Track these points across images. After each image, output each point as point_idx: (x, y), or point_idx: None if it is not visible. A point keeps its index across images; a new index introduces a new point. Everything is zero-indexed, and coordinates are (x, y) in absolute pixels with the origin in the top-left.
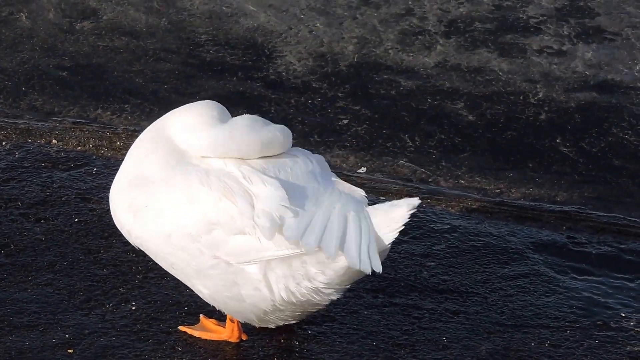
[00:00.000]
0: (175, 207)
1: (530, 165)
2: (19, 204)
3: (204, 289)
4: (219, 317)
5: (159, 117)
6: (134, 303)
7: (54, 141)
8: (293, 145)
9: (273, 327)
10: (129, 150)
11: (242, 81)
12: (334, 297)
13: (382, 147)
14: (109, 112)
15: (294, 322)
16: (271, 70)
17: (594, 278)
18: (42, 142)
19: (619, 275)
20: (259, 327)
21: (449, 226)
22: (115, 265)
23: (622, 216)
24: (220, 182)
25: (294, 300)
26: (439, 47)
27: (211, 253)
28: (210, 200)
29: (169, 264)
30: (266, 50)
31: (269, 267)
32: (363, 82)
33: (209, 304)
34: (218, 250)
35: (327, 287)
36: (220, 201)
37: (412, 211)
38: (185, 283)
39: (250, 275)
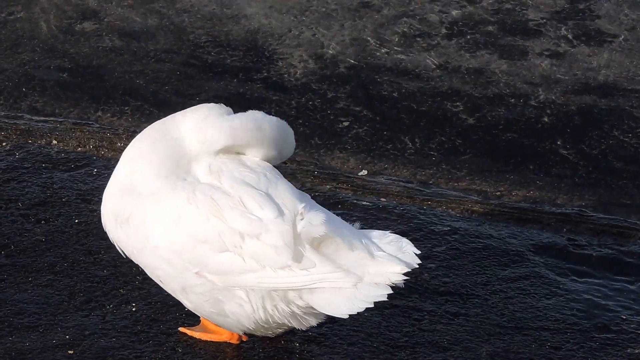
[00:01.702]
0: (162, 224)
1: (531, 167)
2: (19, 205)
3: (188, 303)
4: None
5: (158, 119)
6: (134, 304)
7: (55, 142)
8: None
9: (259, 336)
10: (125, 152)
11: (242, 83)
12: (314, 323)
13: (383, 150)
14: (109, 114)
15: (282, 332)
16: (272, 72)
17: (595, 280)
18: (43, 142)
19: (620, 278)
20: None
21: (449, 228)
22: (116, 266)
23: (622, 218)
24: (208, 198)
25: (272, 322)
26: (439, 49)
27: (195, 270)
28: (198, 219)
29: (157, 277)
30: (267, 52)
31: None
32: (363, 83)
33: None
34: (204, 268)
35: (305, 312)
36: (208, 220)
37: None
38: (173, 296)
39: (234, 292)
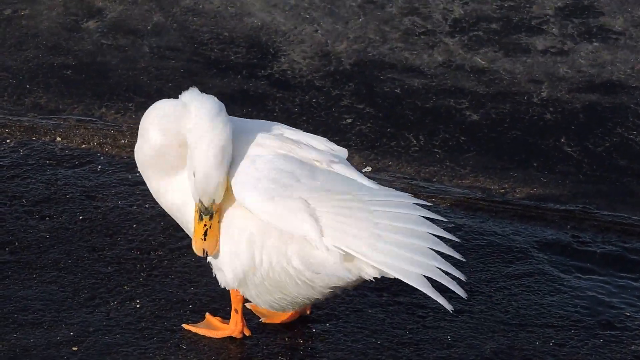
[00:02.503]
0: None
1: (535, 164)
2: (23, 202)
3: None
4: (224, 315)
5: None
6: (138, 301)
7: (59, 139)
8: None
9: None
10: None
11: (246, 79)
12: (316, 295)
13: (387, 146)
14: (113, 111)
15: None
16: (275, 69)
17: (599, 277)
18: (47, 139)
19: (624, 275)
20: (264, 325)
21: (453, 225)
22: (120, 263)
23: (626, 215)
24: (277, 141)
25: (271, 276)
26: (443, 46)
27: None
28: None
29: (185, 221)
30: (270, 49)
31: (265, 231)
32: (367, 81)
33: (213, 303)
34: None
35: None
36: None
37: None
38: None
39: (271, 231)
